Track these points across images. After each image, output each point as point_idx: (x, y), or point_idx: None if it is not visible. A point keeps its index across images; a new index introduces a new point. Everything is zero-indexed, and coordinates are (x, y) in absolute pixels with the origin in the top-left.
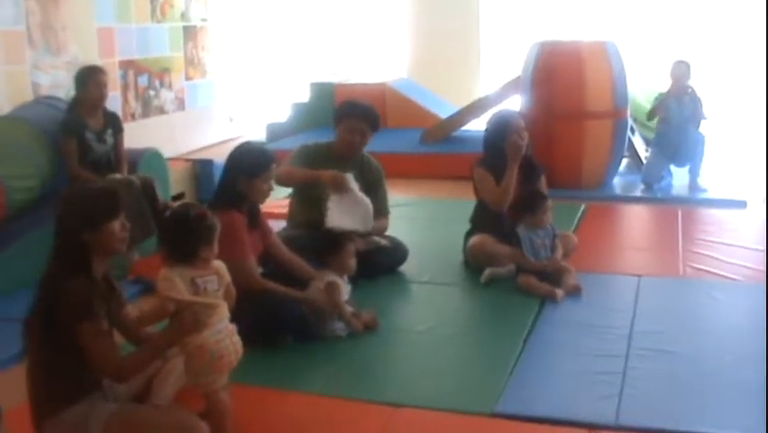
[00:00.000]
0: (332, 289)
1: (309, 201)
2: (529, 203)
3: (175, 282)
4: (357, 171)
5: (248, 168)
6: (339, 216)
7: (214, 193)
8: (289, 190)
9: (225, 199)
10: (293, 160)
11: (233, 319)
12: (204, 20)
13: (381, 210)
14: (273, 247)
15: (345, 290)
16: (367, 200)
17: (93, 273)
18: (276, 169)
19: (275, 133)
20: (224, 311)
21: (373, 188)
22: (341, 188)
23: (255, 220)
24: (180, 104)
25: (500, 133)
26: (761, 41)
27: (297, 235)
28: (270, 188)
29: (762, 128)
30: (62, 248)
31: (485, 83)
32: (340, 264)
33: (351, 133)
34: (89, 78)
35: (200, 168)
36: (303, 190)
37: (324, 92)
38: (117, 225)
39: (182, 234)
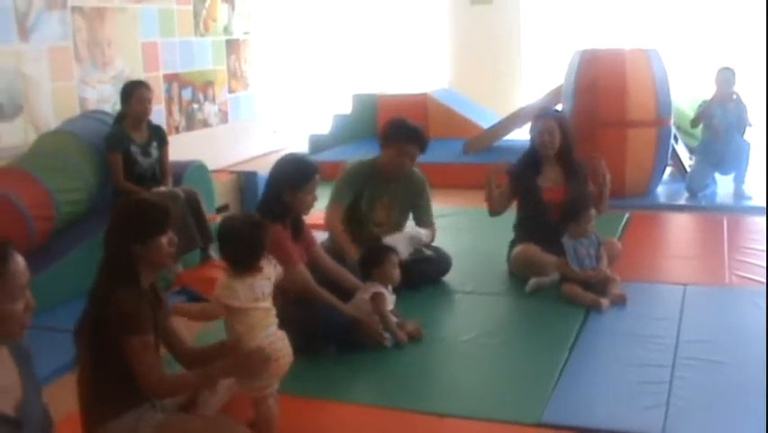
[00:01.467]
0: (378, 299)
1: (354, 219)
2: (573, 212)
3: (236, 290)
4: (401, 185)
5: (292, 180)
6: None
7: (258, 205)
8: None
9: (269, 211)
10: (338, 193)
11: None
12: (246, 33)
13: (425, 221)
14: (317, 258)
15: (390, 300)
16: (415, 236)
17: (141, 285)
18: (318, 180)
19: (317, 144)
20: (274, 315)
21: (417, 199)
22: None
23: (299, 232)
24: (224, 116)
25: (532, 129)
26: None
27: (340, 247)
28: (314, 199)
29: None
30: (112, 259)
31: (527, 92)
32: (384, 275)
33: (400, 156)
34: (133, 94)
35: (244, 180)
36: (347, 208)
37: (365, 103)
38: (165, 240)
39: (246, 246)
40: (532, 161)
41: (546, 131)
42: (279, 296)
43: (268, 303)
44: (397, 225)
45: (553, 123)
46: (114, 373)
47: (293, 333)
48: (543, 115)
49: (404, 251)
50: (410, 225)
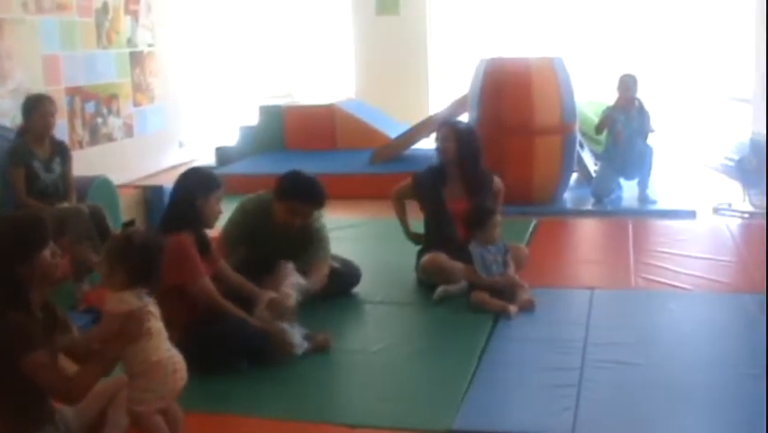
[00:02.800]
0: (273, 306)
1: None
2: (477, 219)
3: (127, 299)
4: (293, 235)
5: (202, 186)
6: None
7: (163, 217)
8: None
9: (176, 222)
10: (229, 236)
11: (187, 346)
12: (151, 45)
13: (320, 261)
14: (221, 272)
15: (288, 297)
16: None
17: (31, 305)
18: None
19: (225, 156)
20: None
21: (311, 247)
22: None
23: (205, 245)
24: (129, 130)
25: (435, 138)
26: (711, 53)
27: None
28: (221, 211)
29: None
30: None
31: (434, 102)
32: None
33: (292, 214)
34: (35, 108)
35: (150, 194)
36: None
37: (272, 115)
38: (48, 253)
39: (148, 261)
40: (438, 173)
41: (442, 138)
42: (185, 312)
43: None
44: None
45: (448, 130)
46: (10, 398)
47: (204, 349)
48: (442, 124)
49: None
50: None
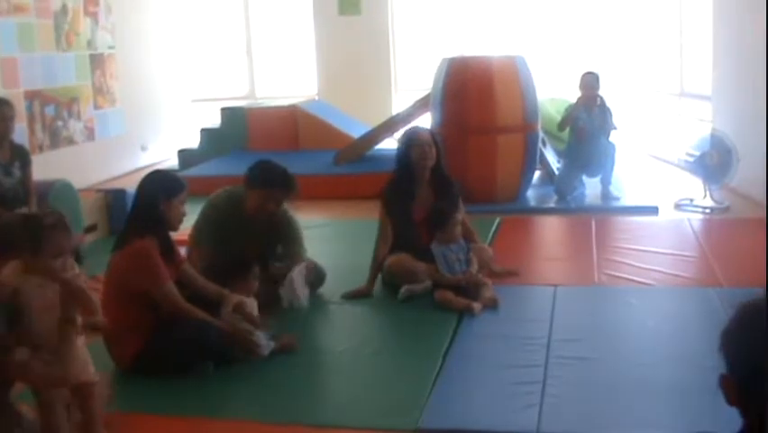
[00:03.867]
0: (240, 308)
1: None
2: (437, 219)
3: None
4: (266, 226)
5: (166, 189)
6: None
7: (128, 219)
8: (194, 217)
9: (139, 227)
10: (201, 233)
11: (154, 350)
12: (111, 48)
13: (296, 256)
14: (186, 274)
15: (252, 306)
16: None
17: None
18: (187, 195)
19: (187, 159)
20: None
21: (285, 241)
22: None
23: (168, 249)
24: (90, 133)
25: (407, 147)
26: (672, 49)
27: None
28: (184, 213)
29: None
30: None
31: (397, 102)
32: (245, 287)
33: (266, 200)
34: None
35: (112, 198)
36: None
37: (235, 117)
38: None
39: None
40: (405, 183)
41: (426, 143)
42: (151, 317)
43: None
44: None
45: (429, 136)
46: None
47: (170, 352)
48: (416, 131)
49: (301, 287)
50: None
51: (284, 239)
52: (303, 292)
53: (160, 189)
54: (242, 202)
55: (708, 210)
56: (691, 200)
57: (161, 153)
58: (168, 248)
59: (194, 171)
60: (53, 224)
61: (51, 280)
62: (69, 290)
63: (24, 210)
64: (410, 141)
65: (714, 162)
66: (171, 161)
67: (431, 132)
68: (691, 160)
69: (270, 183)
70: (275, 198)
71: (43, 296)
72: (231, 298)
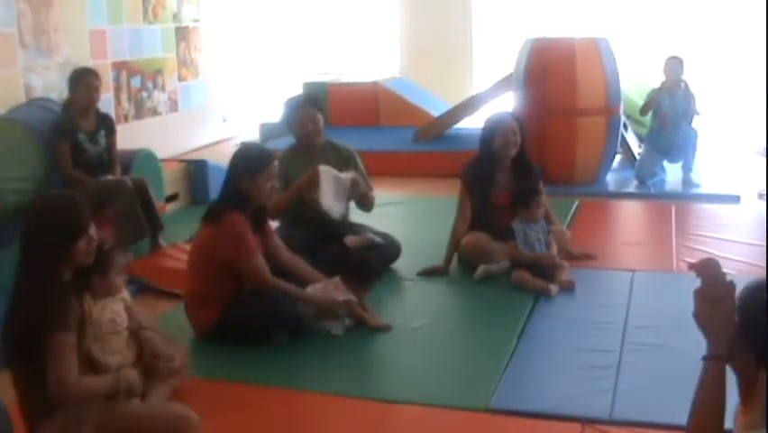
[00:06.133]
0: (350, 306)
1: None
2: (523, 197)
3: None
4: (327, 159)
5: (248, 166)
6: (329, 201)
7: (219, 195)
8: None
9: (229, 201)
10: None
11: (230, 318)
12: (196, 21)
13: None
14: (275, 249)
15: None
16: (347, 176)
17: (63, 283)
18: (276, 167)
19: (268, 132)
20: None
21: (347, 169)
22: (315, 184)
23: (260, 223)
24: (173, 105)
25: (491, 133)
26: (760, 37)
27: (293, 235)
28: (273, 187)
29: (762, 124)
30: (32, 263)
31: (478, 80)
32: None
33: (304, 123)
34: (80, 81)
35: (194, 168)
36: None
37: (317, 92)
38: (83, 243)
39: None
40: (485, 168)
41: (511, 131)
42: (230, 285)
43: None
44: None
45: (515, 123)
46: (43, 371)
47: (245, 323)
48: (502, 118)
49: (335, 204)
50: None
51: (345, 170)
52: (334, 202)
53: (243, 166)
54: (295, 146)
55: None
56: None
57: (242, 126)
58: (259, 220)
59: (274, 144)
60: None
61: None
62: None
63: (109, 177)
64: (496, 127)
65: None
66: (252, 134)
67: (516, 118)
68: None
69: (299, 105)
70: (309, 115)
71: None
72: (339, 286)
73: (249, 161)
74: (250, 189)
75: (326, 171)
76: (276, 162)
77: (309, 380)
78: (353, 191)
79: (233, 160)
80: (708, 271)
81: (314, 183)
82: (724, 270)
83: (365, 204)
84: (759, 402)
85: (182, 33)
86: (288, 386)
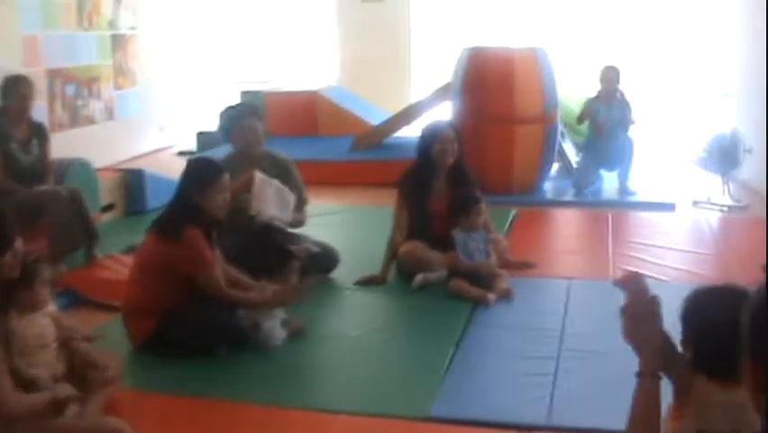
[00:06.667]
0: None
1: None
2: (462, 206)
3: None
4: (265, 168)
5: (200, 180)
6: (260, 204)
7: (169, 208)
8: None
9: (182, 214)
10: None
11: (168, 330)
12: (133, 28)
13: (299, 200)
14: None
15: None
16: (283, 188)
17: None
18: (227, 179)
19: (206, 141)
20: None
21: (284, 181)
22: (250, 186)
23: (211, 235)
24: (110, 113)
25: (429, 142)
26: (694, 46)
27: (232, 246)
28: (226, 200)
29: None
30: None
31: (417, 89)
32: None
33: (243, 133)
34: (12, 89)
35: (130, 178)
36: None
37: (254, 100)
38: (9, 257)
39: None
40: (423, 177)
41: (448, 139)
42: (170, 297)
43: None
44: None
45: (452, 132)
46: None
47: (186, 333)
48: (440, 127)
49: (276, 211)
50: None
51: (283, 181)
52: (275, 210)
53: (194, 179)
54: (234, 153)
55: (725, 208)
56: (709, 198)
57: (180, 135)
58: (210, 234)
59: (212, 154)
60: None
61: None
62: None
63: (42, 187)
64: (433, 136)
65: (720, 157)
66: (190, 144)
67: (454, 126)
68: (709, 156)
69: (242, 117)
70: (249, 126)
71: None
72: (267, 286)
73: (200, 174)
74: (201, 202)
75: (265, 178)
76: (227, 175)
77: (249, 391)
78: (284, 209)
79: (184, 173)
80: (633, 285)
81: (248, 186)
82: (648, 278)
83: (298, 223)
84: (692, 409)
85: (119, 41)
86: (228, 398)
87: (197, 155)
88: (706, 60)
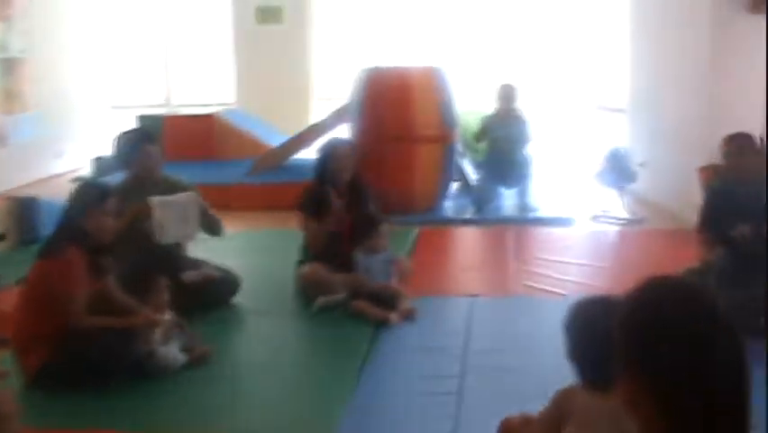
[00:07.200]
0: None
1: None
2: (364, 227)
3: None
4: (162, 194)
5: (87, 203)
6: (164, 230)
7: (55, 230)
8: None
9: (66, 236)
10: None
11: (61, 361)
12: (23, 51)
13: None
14: (108, 289)
15: (164, 321)
16: (182, 201)
17: None
18: (114, 203)
19: (103, 167)
20: None
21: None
22: (148, 218)
23: (96, 261)
24: (2, 139)
25: (325, 160)
26: (589, 63)
27: (130, 273)
28: (111, 225)
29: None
30: None
31: (316, 111)
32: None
33: (139, 158)
34: None
35: (23, 206)
36: None
37: (151, 124)
38: None
39: None
40: (321, 196)
41: (344, 156)
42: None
43: None
44: None
45: (348, 149)
46: None
47: (81, 364)
48: (335, 144)
49: (181, 229)
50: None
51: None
52: (181, 227)
53: (78, 204)
54: (131, 179)
55: (623, 222)
56: (607, 212)
57: (77, 160)
58: (95, 260)
59: (110, 179)
60: None
61: None
62: None
63: None
64: (329, 153)
65: (615, 172)
66: (86, 169)
67: (349, 144)
68: (605, 171)
69: (138, 141)
70: (146, 151)
71: None
72: (139, 319)
73: (85, 198)
74: (88, 225)
75: (160, 202)
76: (113, 200)
77: (149, 421)
78: (199, 207)
79: (72, 195)
80: None
81: (147, 216)
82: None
83: (213, 226)
84: (575, 419)
85: (9, 64)
86: (128, 429)
87: (86, 179)
88: (600, 77)
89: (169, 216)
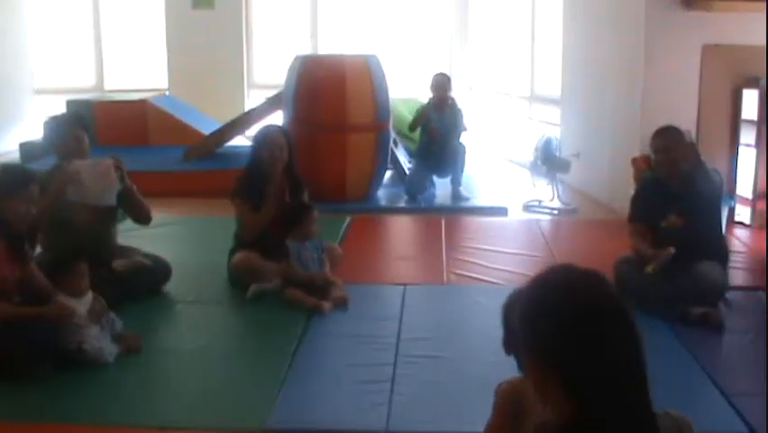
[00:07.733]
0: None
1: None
2: (296, 215)
3: None
4: None
5: (5, 189)
6: (90, 189)
7: None
8: None
9: None
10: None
11: None
12: None
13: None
14: (31, 277)
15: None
16: (106, 160)
17: None
18: (35, 190)
19: (29, 152)
20: None
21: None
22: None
23: (19, 246)
24: None
25: (259, 147)
26: (525, 55)
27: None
28: (28, 211)
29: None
30: None
31: (250, 98)
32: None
33: (67, 143)
34: None
35: None
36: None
37: (81, 109)
38: None
39: None
40: (255, 184)
41: (277, 145)
42: None
43: None
44: None
45: (282, 137)
46: None
47: (5, 354)
48: (269, 132)
49: (98, 186)
50: None
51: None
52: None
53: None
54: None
55: (555, 211)
56: (540, 202)
57: (2, 145)
58: (16, 246)
59: (37, 165)
60: None
61: None
62: None
63: None
64: (262, 141)
65: (548, 162)
66: (12, 155)
67: (284, 131)
68: (538, 161)
69: (20, 184)
70: (74, 134)
71: None
72: (51, 308)
73: (5, 183)
74: (4, 212)
75: (82, 164)
76: (35, 186)
77: (79, 412)
78: (117, 174)
79: None
80: None
81: (72, 179)
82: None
83: (140, 211)
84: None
85: None
86: (56, 421)
87: (5, 164)
88: (534, 67)
89: (91, 175)
